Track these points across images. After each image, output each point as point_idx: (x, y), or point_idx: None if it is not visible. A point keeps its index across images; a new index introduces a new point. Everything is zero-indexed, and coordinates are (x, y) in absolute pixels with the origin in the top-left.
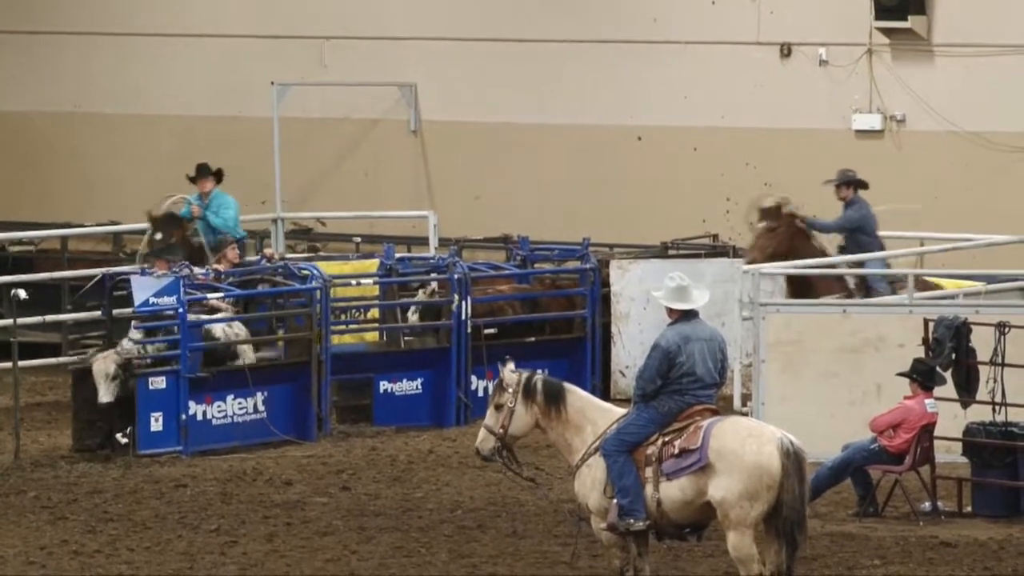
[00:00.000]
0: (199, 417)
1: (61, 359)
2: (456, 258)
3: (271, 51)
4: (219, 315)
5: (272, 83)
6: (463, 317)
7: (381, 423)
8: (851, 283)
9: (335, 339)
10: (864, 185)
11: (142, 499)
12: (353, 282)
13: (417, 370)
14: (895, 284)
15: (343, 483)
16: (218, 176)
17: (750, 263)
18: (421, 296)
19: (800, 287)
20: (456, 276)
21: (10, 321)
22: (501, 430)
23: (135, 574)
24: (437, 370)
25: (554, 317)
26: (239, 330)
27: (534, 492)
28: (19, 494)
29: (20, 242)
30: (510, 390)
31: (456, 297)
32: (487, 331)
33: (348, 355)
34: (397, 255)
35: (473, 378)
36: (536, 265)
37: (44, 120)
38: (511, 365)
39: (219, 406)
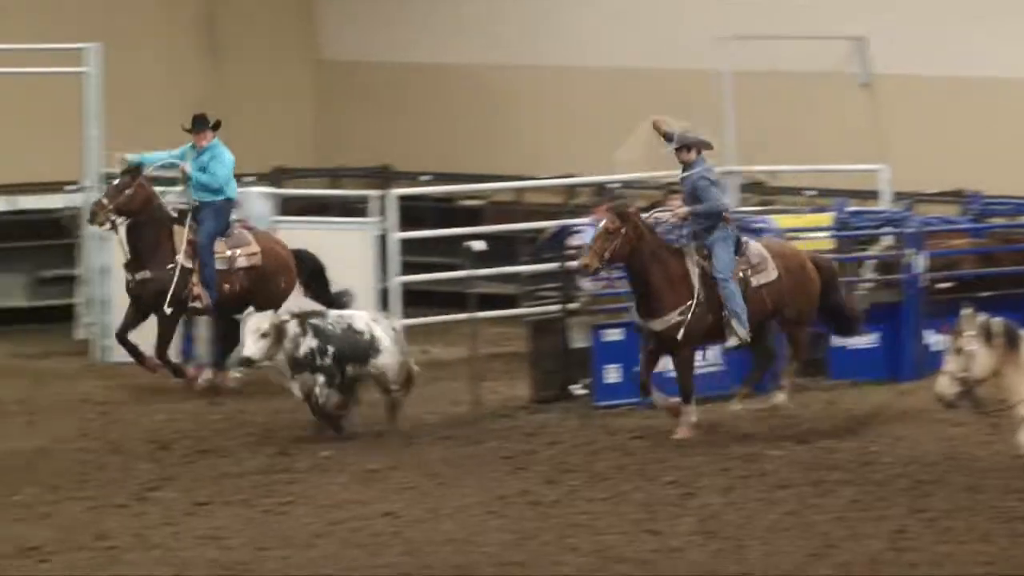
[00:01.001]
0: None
1: (517, 311)
2: (910, 212)
3: (716, 4)
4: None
5: (719, 37)
6: (918, 271)
7: (837, 377)
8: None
9: None
10: (709, 146)
11: (599, 450)
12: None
13: (872, 324)
14: None
15: (799, 436)
16: (215, 127)
17: (583, 267)
18: (875, 251)
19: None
20: (910, 230)
21: (465, 273)
22: (963, 374)
23: (592, 524)
24: (892, 324)
25: (1011, 272)
26: None
27: (990, 447)
28: (478, 444)
29: (469, 195)
30: (970, 333)
31: (911, 251)
32: (940, 285)
33: None
34: (850, 209)
35: (927, 332)
36: (990, 220)
37: (493, 73)
38: (970, 310)
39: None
